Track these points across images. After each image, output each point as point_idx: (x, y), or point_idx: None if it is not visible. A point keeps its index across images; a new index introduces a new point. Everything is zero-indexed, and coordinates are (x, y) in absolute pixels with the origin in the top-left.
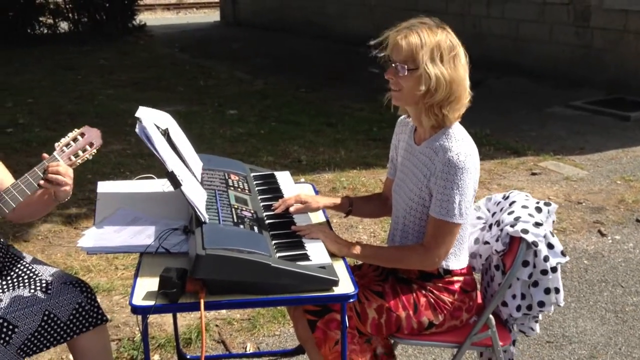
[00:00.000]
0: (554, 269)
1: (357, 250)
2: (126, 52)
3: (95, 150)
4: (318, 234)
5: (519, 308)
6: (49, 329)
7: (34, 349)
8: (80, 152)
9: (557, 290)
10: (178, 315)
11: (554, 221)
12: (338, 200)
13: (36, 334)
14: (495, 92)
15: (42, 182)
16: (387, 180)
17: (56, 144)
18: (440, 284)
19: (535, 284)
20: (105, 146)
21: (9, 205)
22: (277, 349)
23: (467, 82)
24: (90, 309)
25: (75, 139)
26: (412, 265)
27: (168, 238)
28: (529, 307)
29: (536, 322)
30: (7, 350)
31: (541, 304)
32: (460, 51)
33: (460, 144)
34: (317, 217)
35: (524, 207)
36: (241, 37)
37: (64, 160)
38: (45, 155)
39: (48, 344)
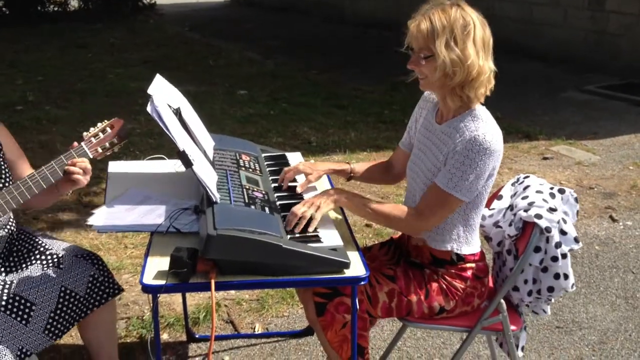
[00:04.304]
0: (564, 255)
1: (344, 198)
2: (136, 30)
3: (121, 145)
4: (309, 215)
5: (530, 293)
6: (69, 305)
7: (61, 328)
8: (107, 145)
9: (566, 276)
10: (187, 294)
11: (578, 211)
12: (338, 166)
13: (58, 311)
14: (508, 75)
15: (64, 174)
16: (398, 150)
17: (85, 133)
18: (453, 271)
19: (545, 269)
20: None
21: (32, 191)
22: (286, 329)
23: (483, 58)
24: (104, 280)
25: (104, 130)
26: (396, 226)
27: (179, 218)
28: (539, 292)
29: (548, 304)
30: (28, 330)
31: (550, 289)
32: (475, 28)
33: (487, 125)
34: (323, 188)
35: (538, 192)
36: (252, 18)
37: (91, 151)
38: (75, 144)
39: (72, 321)
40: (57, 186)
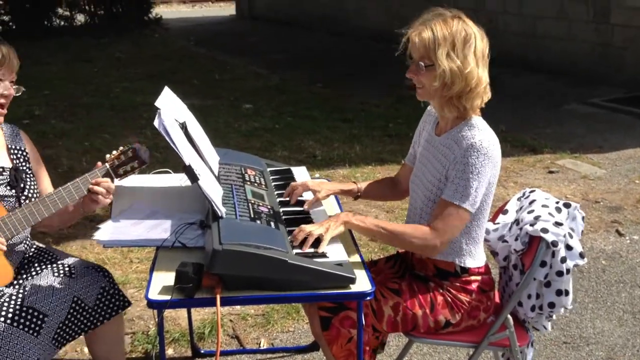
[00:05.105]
0: (568, 271)
1: (354, 220)
2: (142, 45)
3: (142, 167)
4: (317, 233)
5: (532, 308)
6: (78, 316)
7: (67, 337)
8: (128, 168)
9: (567, 293)
10: (192, 309)
11: (583, 231)
12: (346, 186)
13: (66, 321)
14: (511, 89)
15: (87, 192)
16: (404, 166)
17: (107, 155)
18: (458, 283)
19: (548, 284)
20: (121, 139)
21: (57, 206)
22: (291, 345)
23: (482, 70)
24: (114, 293)
25: (125, 154)
26: (412, 246)
27: (184, 232)
28: (541, 307)
29: (549, 321)
30: (39, 341)
31: (551, 305)
32: (476, 40)
33: (484, 133)
34: (331, 208)
35: (544, 206)
36: (257, 32)
37: (113, 172)
38: (99, 163)
39: (79, 331)
40: (82, 205)
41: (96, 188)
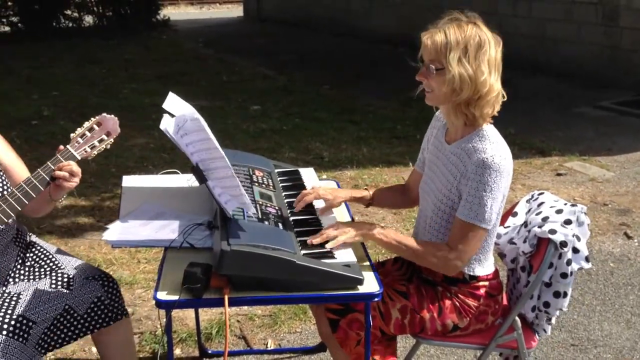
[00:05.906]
0: (572, 273)
1: (376, 233)
2: (150, 46)
3: (112, 140)
4: (340, 238)
5: (533, 309)
6: (65, 322)
7: (52, 343)
8: (96, 143)
9: (565, 294)
10: (199, 310)
11: (590, 228)
12: (358, 193)
13: (52, 327)
14: (521, 91)
15: (52, 179)
16: (414, 172)
17: (72, 134)
18: (466, 289)
19: (549, 285)
20: (129, 140)
21: (22, 202)
22: (298, 345)
23: (494, 78)
24: (109, 303)
25: (91, 129)
26: (432, 265)
27: (192, 233)
28: (539, 308)
29: (549, 324)
30: (27, 347)
31: (546, 305)
32: (490, 46)
33: (495, 146)
34: (342, 215)
35: (552, 207)
36: (265, 33)
37: (79, 152)
38: (61, 147)
39: (67, 338)
40: (50, 193)
41: (58, 173)
